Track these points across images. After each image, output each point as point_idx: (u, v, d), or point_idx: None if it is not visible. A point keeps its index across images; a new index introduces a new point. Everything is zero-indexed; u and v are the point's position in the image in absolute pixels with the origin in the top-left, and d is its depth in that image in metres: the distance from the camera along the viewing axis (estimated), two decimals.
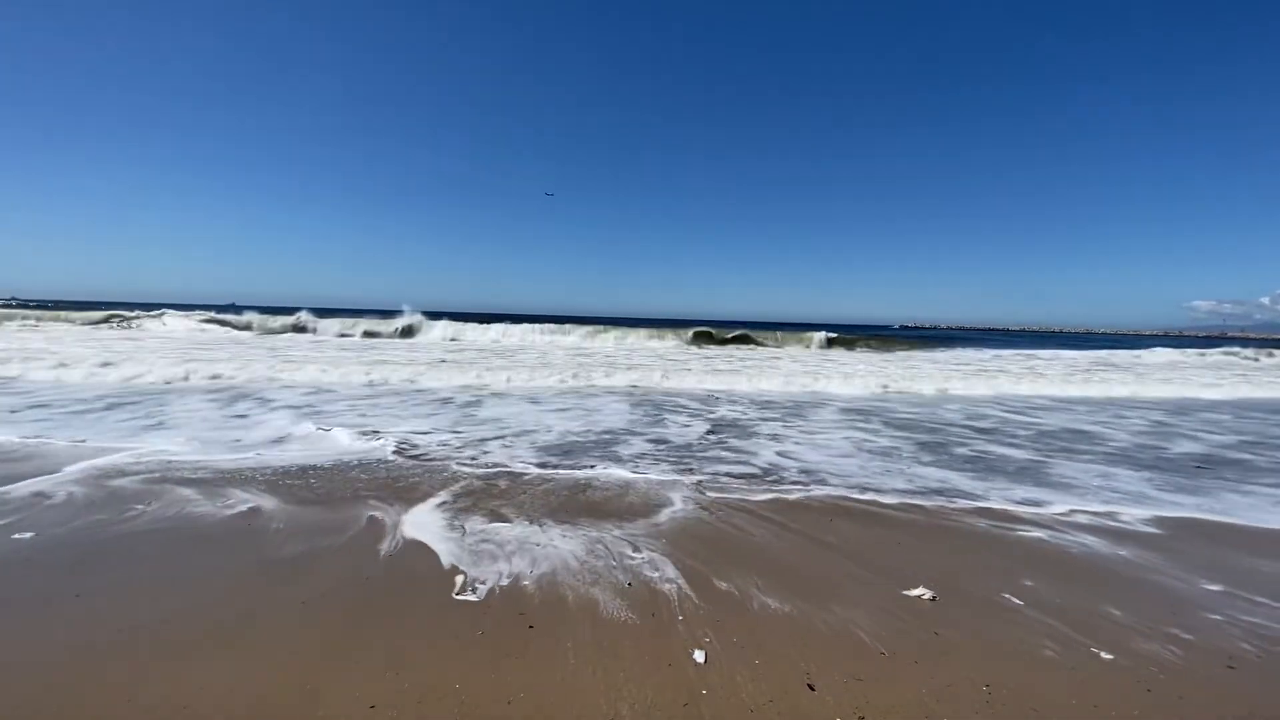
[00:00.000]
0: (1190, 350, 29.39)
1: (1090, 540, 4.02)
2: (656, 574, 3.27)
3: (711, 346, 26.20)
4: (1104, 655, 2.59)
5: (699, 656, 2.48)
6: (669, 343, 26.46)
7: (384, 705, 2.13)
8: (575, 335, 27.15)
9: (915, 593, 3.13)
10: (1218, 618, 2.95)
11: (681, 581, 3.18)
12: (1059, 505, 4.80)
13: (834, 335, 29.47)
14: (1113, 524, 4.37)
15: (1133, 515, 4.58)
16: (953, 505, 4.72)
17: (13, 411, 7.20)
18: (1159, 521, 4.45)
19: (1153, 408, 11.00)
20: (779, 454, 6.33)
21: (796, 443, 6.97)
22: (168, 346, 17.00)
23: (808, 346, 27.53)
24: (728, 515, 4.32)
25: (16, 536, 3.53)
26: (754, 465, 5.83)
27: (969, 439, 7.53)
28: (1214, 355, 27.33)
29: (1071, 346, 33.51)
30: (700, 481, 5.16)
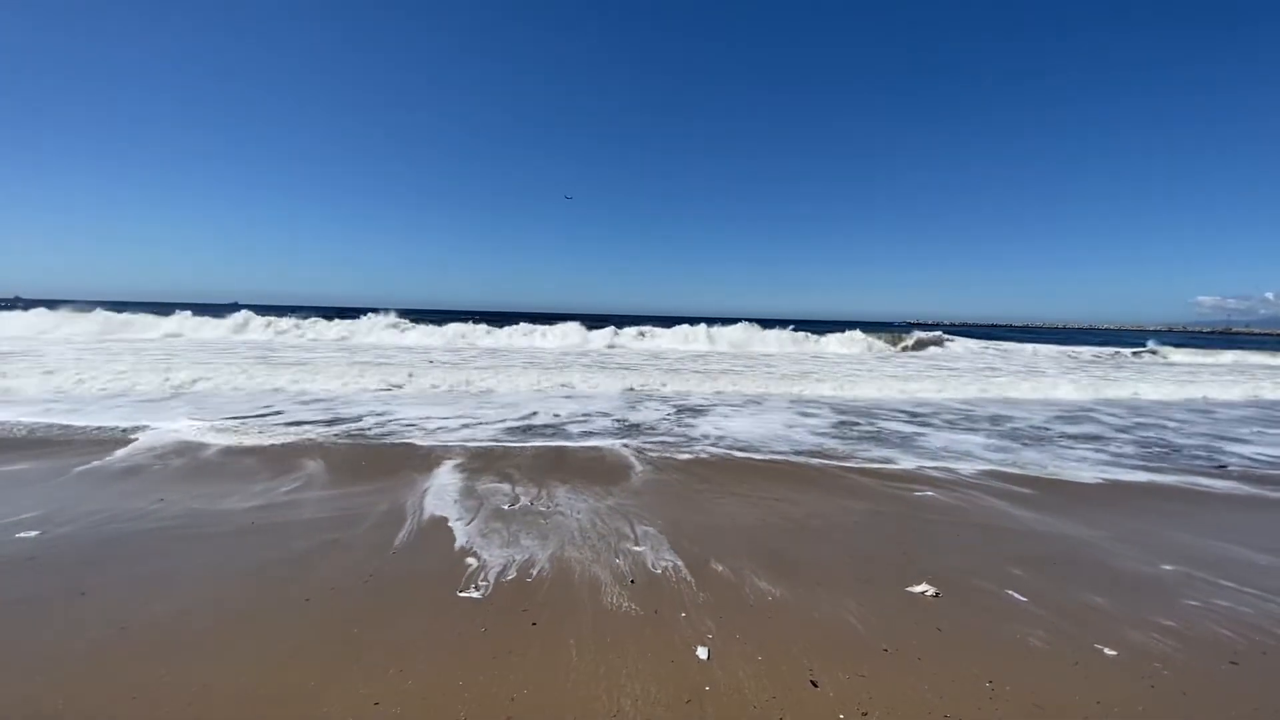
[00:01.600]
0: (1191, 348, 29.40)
1: (931, 492, 5.01)
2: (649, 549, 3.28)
3: None
4: (1107, 651, 2.58)
5: (702, 653, 2.48)
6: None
7: (387, 702, 2.13)
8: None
9: (918, 589, 3.12)
10: (1196, 603, 2.95)
11: (680, 558, 3.19)
12: (906, 463, 6.02)
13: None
14: (943, 475, 5.56)
15: (960, 467, 5.91)
16: (812, 462, 5.97)
17: None
18: (977, 474, 5.68)
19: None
20: None
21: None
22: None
23: None
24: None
25: (21, 535, 3.55)
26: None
27: (882, 420, 8.46)
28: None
29: (1074, 343, 33.27)
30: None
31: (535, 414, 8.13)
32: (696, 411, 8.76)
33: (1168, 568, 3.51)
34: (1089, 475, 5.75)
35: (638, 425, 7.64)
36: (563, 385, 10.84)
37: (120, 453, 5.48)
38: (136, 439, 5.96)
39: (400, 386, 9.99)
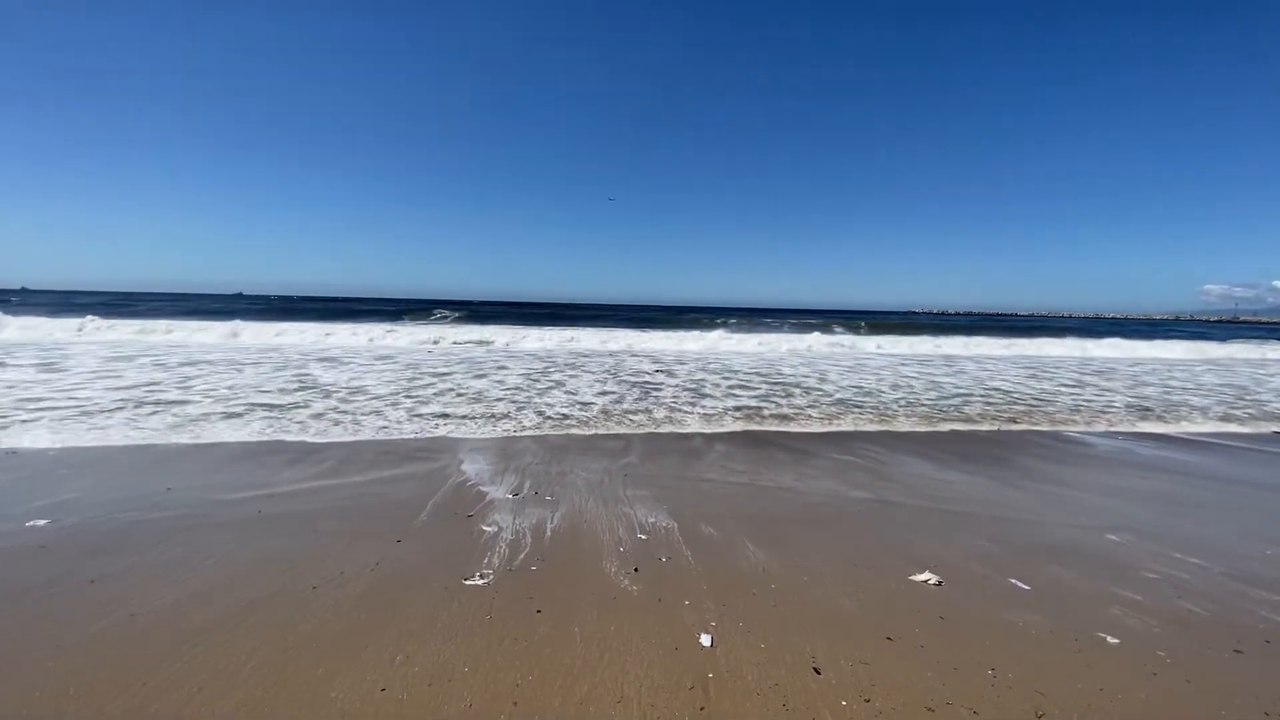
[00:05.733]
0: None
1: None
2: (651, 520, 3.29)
3: None
4: (1110, 639, 2.59)
5: (705, 640, 2.50)
6: None
7: (394, 688, 2.16)
8: None
9: (921, 578, 3.13)
10: (1215, 599, 2.95)
11: (684, 546, 3.21)
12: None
13: None
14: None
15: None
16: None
17: None
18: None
19: None
20: None
21: None
22: None
23: None
24: None
25: (31, 524, 3.59)
26: None
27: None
28: None
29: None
30: None
31: None
32: None
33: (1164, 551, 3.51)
34: None
35: None
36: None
37: None
38: None
39: None
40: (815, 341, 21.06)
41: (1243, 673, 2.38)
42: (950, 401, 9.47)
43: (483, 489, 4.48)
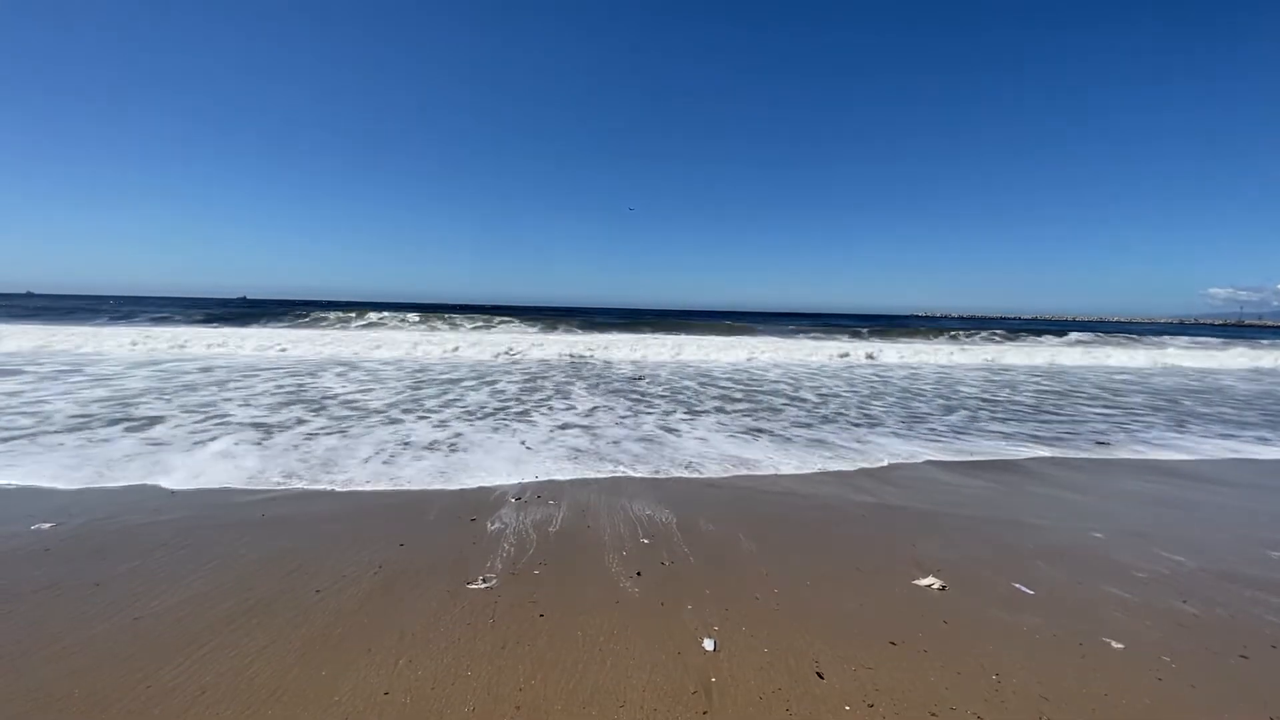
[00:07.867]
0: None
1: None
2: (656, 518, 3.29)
3: None
4: (1114, 644, 2.58)
5: (708, 644, 2.49)
6: None
7: (397, 691, 2.16)
8: None
9: (925, 582, 3.12)
10: (1223, 604, 2.93)
11: (686, 550, 3.20)
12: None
13: None
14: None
15: None
16: None
17: None
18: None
19: None
20: None
21: None
22: None
23: None
24: None
25: (35, 527, 3.60)
26: None
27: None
28: None
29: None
30: None
31: None
32: None
33: (1180, 557, 3.50)
34: None
35: None
36: None
37: None
38: None
39: None
40: (846, 350, 20.16)
41: (1248, 677, 2.37)
42: (948, 420, 9.45)
43: (485, 492, 4.48)
